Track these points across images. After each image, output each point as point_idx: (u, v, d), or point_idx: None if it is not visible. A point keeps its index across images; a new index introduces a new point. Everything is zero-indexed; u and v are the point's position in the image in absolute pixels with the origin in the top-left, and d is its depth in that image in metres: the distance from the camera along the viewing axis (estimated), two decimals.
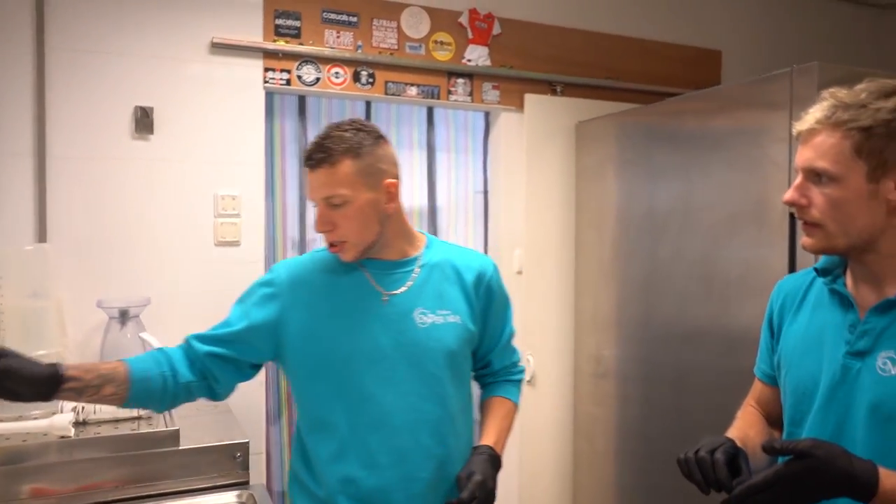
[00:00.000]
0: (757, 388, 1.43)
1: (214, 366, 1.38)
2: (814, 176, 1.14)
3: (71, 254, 2.13)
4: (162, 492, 1.63)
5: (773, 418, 1.39)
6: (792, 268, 1.88)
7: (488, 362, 1.57)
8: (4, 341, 1.81)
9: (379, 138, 1.39)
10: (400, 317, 1.39)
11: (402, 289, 1.41)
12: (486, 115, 2.84)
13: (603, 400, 2.69)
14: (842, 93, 1.14)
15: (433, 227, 2.79)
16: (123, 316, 2.09)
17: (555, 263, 2.80)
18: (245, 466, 1.71)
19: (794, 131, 1.18)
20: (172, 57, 2.24)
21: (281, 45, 2.36)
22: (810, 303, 1.28)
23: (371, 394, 1.36)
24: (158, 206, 2.24)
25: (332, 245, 1.39)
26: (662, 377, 2.39)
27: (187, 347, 1.39)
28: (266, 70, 2.36)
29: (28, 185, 2.10)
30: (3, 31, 2.06)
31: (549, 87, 2.79)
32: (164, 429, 1.67)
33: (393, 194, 1.40)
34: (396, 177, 1.41)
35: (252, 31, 2.34)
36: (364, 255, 1.40)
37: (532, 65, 2.74)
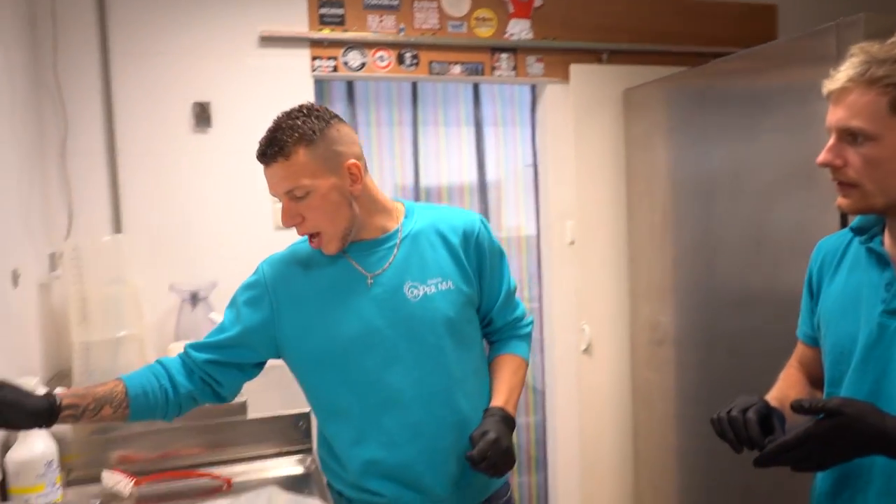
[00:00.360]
0: (799, 349, 1.43)
1: (215, 371, 1.40)
2: (848, 136, 1.12)
3: (144, 242, 2.30)
4: (232, 457, 1.76)
5: (815, 379, 1.38)
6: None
7: (490, 320, 1.52)
8: (88, 325, 1.98)
9: (332, 120, 1.33)
10: (390, 295, 1.37)
11: (385, 266, 1.38)
12: (533, 87, 2.85)
13: (660, 366, 2.70)
14: (874, 48, 1.11)
15: (484, 203, 2.84)
16: (194, 298, 2.24)
17: (607, 233, 2.81)
18: (308, 434, 1.82)
19: (825, 91, 1.17)
20: (225, 53, 2.36)
21: (326, 33, 2.44)
22: (848, 263, 1.27)
23: (376, 376, 1.36)
24: (220, 194, 2.37)
25: (311, 238, 1.36)
26: (718, 342, 2.38)
27: (185, 357, 1.41)
28: (313, 58, 2.45)
29: (103, 180, 2.28)
30: (72, 41, 2.22)
31: (594, 56, 2.78)
32: (234, 401, 1.80)
33: (356, 175, 1.33)
34: (358, 156, 1.35)
35: (298, 22, 2.43)
36: (346, 242, 1.37)
37: (576, 34, 2.73)
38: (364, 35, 2.48)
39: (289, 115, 1.31)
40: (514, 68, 2.68)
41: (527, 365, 1.55)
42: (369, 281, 1.38)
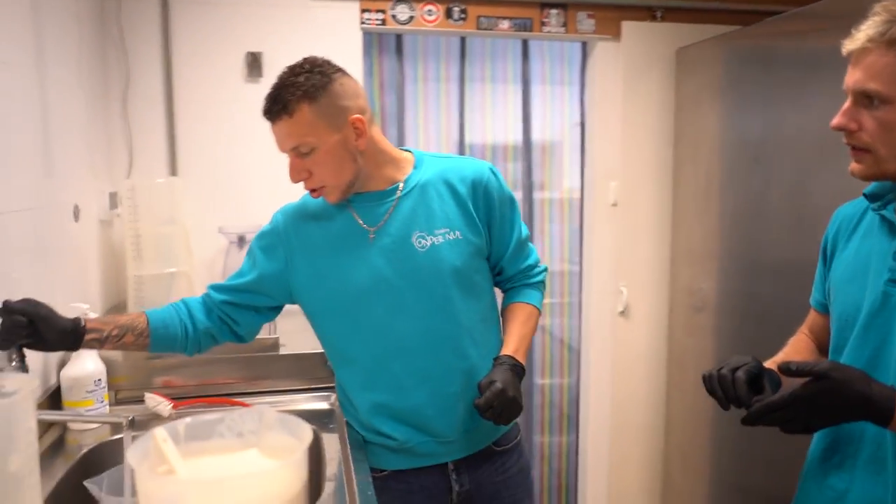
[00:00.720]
0: (810, 317, 1.42)
1: (232, 311, 1.49)
2: (864, 99, 1.09)
3: (198, 186, 2.43)
4: (264, 389, 1.89)
5: (824, 346, 1.37)
6: None
7: (501, 269, 1.55)
8: (142, 261, 2.13)
9: (335, 74, 1.34)
10: (398, 245, 1.40)
11: (385, 218, 1.41)
12: (584, 45, 2.81)
13: (697, 332, 2.68)
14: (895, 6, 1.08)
15: (528, 162, 2.85)
16: (241, 240, 2.36)
17: (651, 195, 2.78)
18: (333, 373, 1.92)
19: (844, 51, 1.14)
20: (278, 4, 2.43)
21: None
22: (862, 230, 1.25)
23: (385, 324, 1.41)
24: (268, 142, 2.45)
25: (312, 191, 1.40)
26: (758, 311, 2.35)
27: (206, 297, 1.50)
28: (362, 11, 2.49)
29: (161, 125, 2.41)
30: None
31: (648, 13, 2.71)
32: (268, 336, 1.92)
33: (360, 130, 1.35)
34: (362, 110, 1.36)
35: None
36: (348, 193, 1.41)
37: None
38: None
39: (292, 72, 1.33)
40: (564, 24, 2.65)
41: (539, 313, 1.58)
42: (371, 236, 1.42)
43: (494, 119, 2.83)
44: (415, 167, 1.46)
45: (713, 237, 2.57)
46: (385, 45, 2.67)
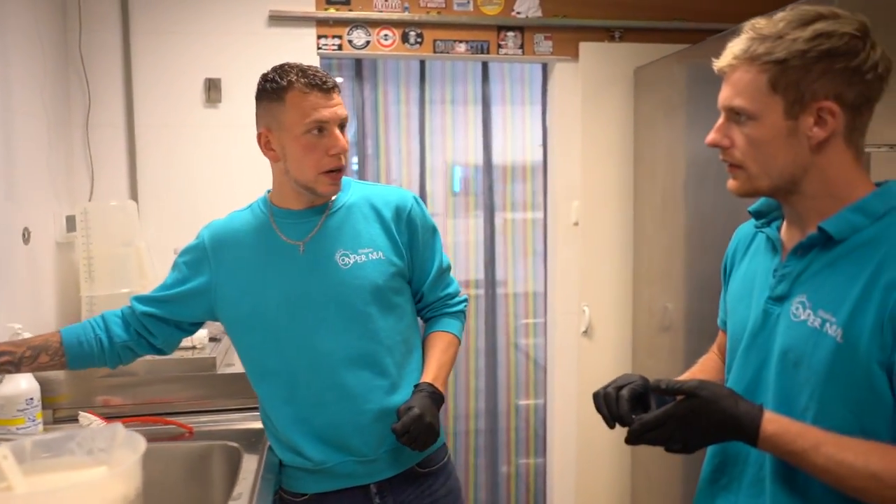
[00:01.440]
0: (719, 336, 1.41)
1: (151, 324, 1.51)
2: (734, 115, 1.09)
3: (157, 208, 2.49)
4: (202, 409, 1.91)
5: None
6: None
7: (422, 295, 1.57)
8: (94, 282, 2.18)
9: None
10: (322, 262, 1.43)
11: (310, 235, 1.44)
12: (544, 66, 2.83)
13: (662, 352, 2.65)
14: (761, 23, 1.08)
15: (489, 182, 2.86)
16: None
17: (612, 214, 2.77)
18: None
19: (715, 68, 1.14)
20: (236, 31, 2.49)
21: (332, 12, 2.53)
22: (752, 249, 1.24)
23: (305, 338, 1.43)
24: (228, 166, 2.52)
25: (340, 169, 1.41)
26: None
27: (127, 309, 1.52)
28: (319, 37, 2.54)
29: (122, 150, 2.47)
30: (96, 19, 2.41)
31: (606, 34, 2.73)
32: (207, 355, 1.94)
33: None
34: None
35: (305, 2, 2.52)
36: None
37: (588, 11, 2.69)
38: (368, 14, 2.55)
39: (315, 67, 1.41)
40: (522, 46, 2.68)
41: (458, 342, 1.60)
42: (301, 248, 1.45)
43: (455, 140, 2.85)
44: (342, 189, 1.49)
45: (675, 255, 2.55)
46: (345, 70, 2.72)
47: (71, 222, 2.29)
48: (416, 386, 1.46)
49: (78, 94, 2.42)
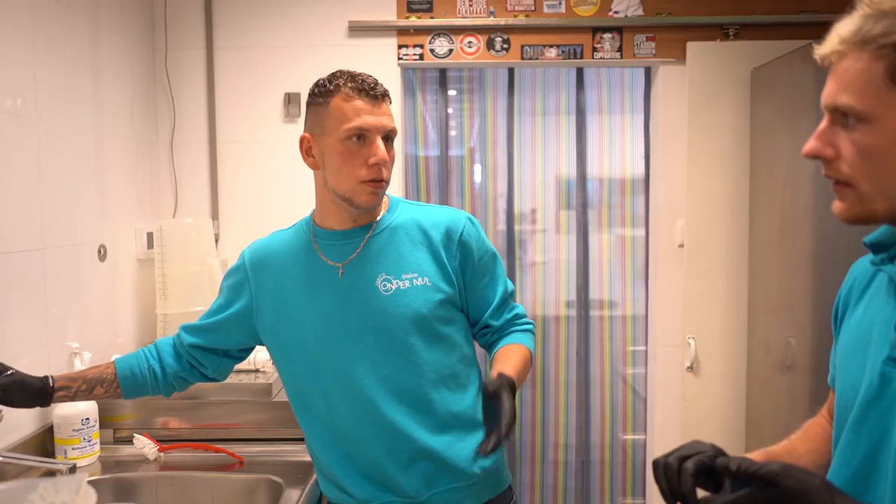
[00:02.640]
0: (830, 396, 1.12)
1: (199, 355, 1.46)
2: (840, 117, 0.83)
3: (236, 225, 2.47)
4: (255, 437, 1.83)
5: None
6: None
7: (487, 325, 1.44)
8: (168, 300, 2.17)
9: None
10: (362, 286, 1.33)
11: (351, 257, 1.35)
12: (647, 69, 2.57)
13: (782, 395, 2.29)
14: None
15: (583, 197, 2.63)
16: None
17: (723, 234, 2.45)
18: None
19: (817, 57, 0.89)
20: (315, 44, 2.43)
21: (413, 20, 2.41)
22: (870, 291, 0.96)
23: (344, 369, 1.33)
24: (306, 182, 2.43)
25: (381, 181, 1.31)
26: None
27: (177, 339, 1.48)
28: (399, 47, 2.43)
29: (204, 167, 2.48)
30: (182, 37, 2.44)
31: (718, 32, 2.42)
32: (258, 382, 1.86)
33: None
34: None
35: (386, 10, 2.42)
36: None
37: (696, 7, 2.40)
38: (451, 21, 2.41)
39: (369, 75, 1.33)
40: (620, 49, 2.43)
41: (531, 357, 1.43)
42: (340, 272, 1.35)
43: (546, 153, 2.64)
44: (388, 210, 1.40)
45: (798, 283, 2.19)
46: (427, 80, 2.59)
47: (151, 239, 2.32)
48: (499, 375, 1.25)
49: (165, 112, 2.45)
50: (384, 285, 1.33)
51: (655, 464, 0.96)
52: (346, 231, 1.36)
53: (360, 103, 1.28)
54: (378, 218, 1.37)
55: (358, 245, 1.35)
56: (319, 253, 1.37)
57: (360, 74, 1.31)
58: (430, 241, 1.36)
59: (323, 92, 1.31)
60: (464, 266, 1.38)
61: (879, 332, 0.89)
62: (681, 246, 2.48)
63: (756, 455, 1.04)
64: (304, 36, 2.43)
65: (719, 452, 0.94)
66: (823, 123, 0.86)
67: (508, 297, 1.46)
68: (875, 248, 0.93)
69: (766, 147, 2.32)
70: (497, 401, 1.18)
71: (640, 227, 2.66)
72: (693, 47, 2.40)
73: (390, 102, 1.33)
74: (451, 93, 2.61)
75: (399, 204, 1.42)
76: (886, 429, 0.84)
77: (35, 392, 1.34)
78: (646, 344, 2.66)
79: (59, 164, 1.84)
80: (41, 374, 1.37)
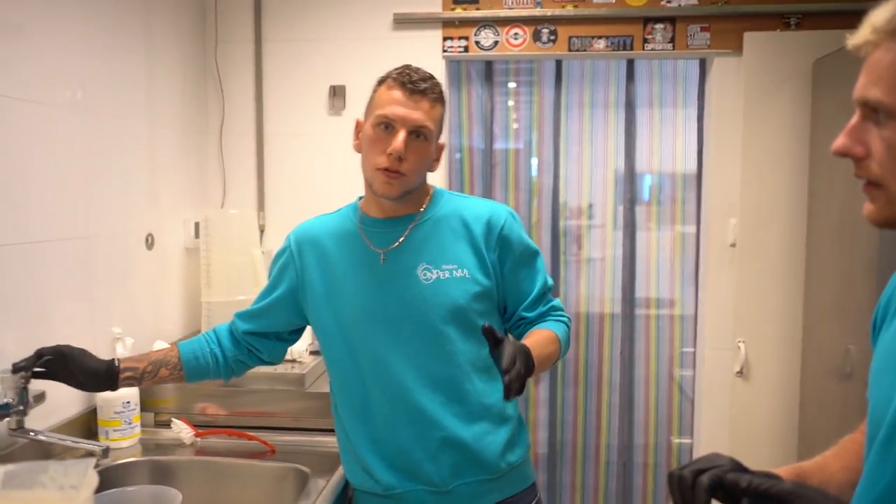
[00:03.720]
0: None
1: (255, 341, 1.50)
2: (871, 112, 0.78)
3: (281, 217, 2.50)
4: (288, 426, 1.85)
5: None
6: None
7: (522, 317, 1.44)
8: (212, 288, 2.22)
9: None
10: (403, 274, 1.36)
11: (395, 244, 1.37)
12: (702, 61, 2.46)
13: (838, 405, 2.17)
14: None
15: (631, 193, 2.55)
16: None
17: (778, 234, 2.33)
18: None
19: (849, 47, 0.83)
20: (360, 36, 2.44)
21: (458, 12, 2.38)
22: None
23: (379, 354, 1.36)
24: (349, 174, 2.44)
25: (393, 173, 1.31)
26: None
27: (232, 325, 1.52)
28: (444, 39, 2.41)
29: (252, 159, 2.52)
30: (232, 30, 2.48)
31: (779, 21, 2.30)
32: (293, 372, 1.89)
33: (439, 156, 1.41)
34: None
35: (431, 2, 2.40)
36: (405, 194, 1.35)
37: None
38: (496, 12, 2.37)
39: (426, 72, 1.36)
40: (672, 40, 2.34)
41: (560, 347, 1.39)
42: (382, 258, 1.38)
43: (594, 147, 2.58)
44: (432, 201, 1.43)
45: (859, 286, 2.07)
46: (474, 72, 2.56)
47: (198, 229, 2.37)
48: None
49: (214, 104, 2.50)
50: (424, 274, 1.36)
51: (670, 476, 0.92)
52: (390, 219, 1.40)
53: (396, 94, 1.31)
54: (422, 208, 1.40)
55: (401, 234, 1.38)
56: (365, 238, 1.40)
57: (410, 67, 1.34)
58: (471, 233, 1.38)
59: (379, 80, 1.37)
60: (503, 260, 1.39)
61: None
62: (733, 245, 2.38)
63: (785, 470, 0.98)
64: (349, 29, 2.44)
65: (736, 466, 0.89)
66: (854, 119, 0.81)
67: (546, 292, 1.46)
68: None
69: (826, 143, 2.18)
70: (499, 346, 1.17)
71: (692, 224, 2.57)
72: (750, 38, 2.29)
73: (435, 102, 1.33)
74: (498, 86, 2.56)
75: (444, 195, 1.45)
76: None
77: (98, 372, 1.37)
78: (694, 346, 2.57)
79: (110, 153, 1.90)
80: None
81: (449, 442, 1.35)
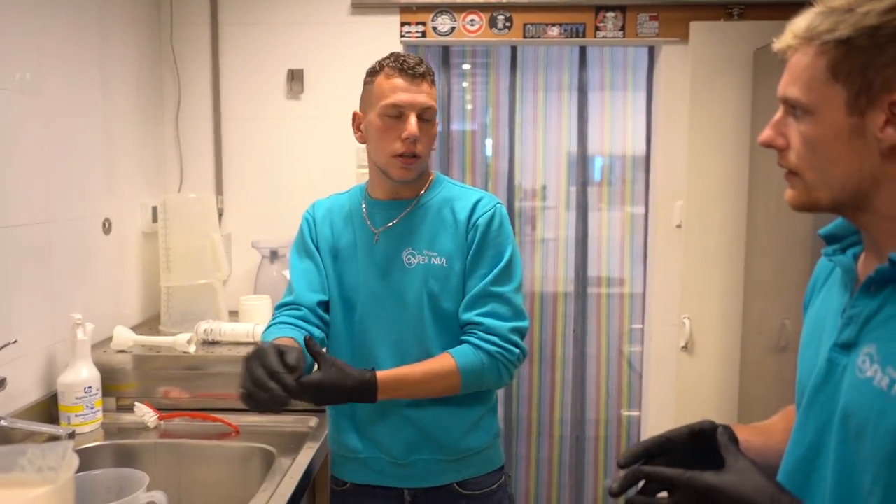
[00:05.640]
0: None
1: (323, 311, 1.48)
2: (791, 108, 0.87)
3: (240, 201, 2.51)
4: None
5: None
6: None
7: (461, 318, 1.43)
8: (171, 272, 2.23)
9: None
10: (391, 256, 1.43)
11: (389, 224, 1.44)
12: (651, 49, 2.55)
13: (774, 376, 2.31)
14: None
15: (583, 176, 2.63)
16: (273, 255, 2.40)
17: (721, 217, 2.45)
18: None
19: (775, 50, 0.91)
20: (319, 21, 2.44)
21: None
22: (829, 281, 0.99)
23: (364, 328, 1.44)
24: (308, 158, 2.50)
25: (410, 157, 1.37)
26: None
27: (296, 312, 1.44)
28: (402, 24, 2.44)
29: (209, 143, 2.51)
30: (187, 12, 2.46)
31: (722, 11, 2.39)
32: None
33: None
34: None
35: None
36: (419, 175, 1.43)
37: None
38: None
39: (416, 56, 1.41)
40: (623, 28, 2.41)
41: (455, 379, 1.36)
42: (375, 237, 1.45)
43: (548, 130, 2.65)
44: (430, 187, 1.48)
45: (794, 265, 2.20)
46: (430, 58, 2.60)
47: (155, 213, 2.37)
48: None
49: (171, 88, 2.48)
50: (408, 259, 1.43)
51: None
52: (390, 202, 1.46)
53: (398, 81, 1.36)
54: (421, 192, 1.47)
55: (397, 216, 1.45)
56: (366, 217, 1.48)
57: (405, 55, 1.40)
58: (457, 222, 1.43)
59: (372, 72, 1.41)
60: (470, 245, 1.42)
61: (831, 321, 0.91)
62: (679, 226, 2.49)
63: (744, 430, 1.06)
64: (307, 13, 2.44)
65: (713, 426, 0.96)
66: (778, 113, 0.89)
67: (491, 295, 1.40)
68: (829, 239, 0.96)
69: None
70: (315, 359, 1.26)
71: (641, 205, 2.67)
72: (696, 27, 2.38)
73: (432, 83, 1.40)
74: (454, 68, 2.61)
75: (443, 182, 1.50)
76: (832, 412, 0.87)
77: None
78: (643, 322, 2.68)
79: (64, 138, 1.88)
80: (48, 346, 1.39)
81: (409, 419, 1.43)
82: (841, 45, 0.79)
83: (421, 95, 1.36)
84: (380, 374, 1.33)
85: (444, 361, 1.37)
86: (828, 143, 0.82)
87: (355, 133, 1.46)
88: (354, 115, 1.46)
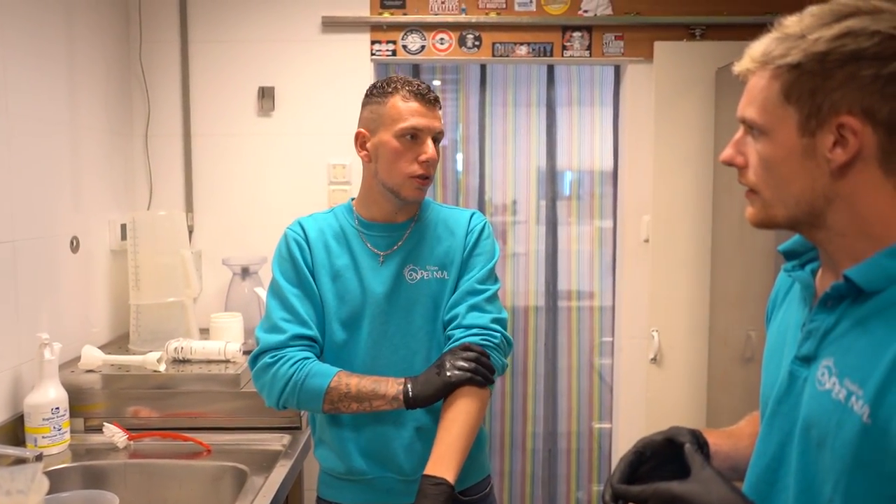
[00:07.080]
0: None
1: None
2: (749, 128, 0.91)
3: (210, 218, 2.50)
4: (227, 426, 1.87)
5: None
6: None
7: (448, 315, 1.48)
8: (140, 291, 2.21)
9: None
10: (395, 274, 1.47)
11: (394, 248, 1.48)
12: (617, 68, 2.61)
13: (739, 387, 2.36)
14: (790, 20, 0.88)
15: (552, 191, 2.68)
16: (244, 272, 2.39)
17: (687, 231, 2.51)
18: (298, 414, 1.88)
19: (735, 72, 0.95)
20: (289, 39, 2.46)
21: (386, 16, 2.44)
22: (790, 296, 1.03)
23: (371, 347, 1.46)
24: (279, 175, 2.50)
25: (424, 179, 1.43)
26: None
27: (308, 349, 1.44)
28: (373, 43, 2.46)
29: (179, 160, 2.50)
30: (156, 29, 2.45)
31: (685, 32, 2.47)
32: (227, 373, 1.91)
33: None
34: None
35: (359, 6, 2.45)
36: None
37: (664, 7, 2.45)
38: (423, 17, 2.44)
39: (423, 82, 1.46)
40: (589, 48, 2.47)
41: (474, 415, 1.40)
42: (381, 259, 1.49)
43: (517, 146, 2.69)
44: (422, 209, 1.54)
45: (758, 278, 2.26)
46: (399, 72, 2.62)
47: (124, 231, 2.34)
48: (427, 479, 1.32)
49: (139, 105, 2.47)
50: (410, 274, 1.48)
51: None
52: (389, 224, 1.50)
53: (415, 105, 1.41)
54: (414, 215, 1.52)
55: (399, 238, 1.49)
56: (364, 240, 1.50)
57: (410, 79, 1.45)
58: (454, 237, 1.51)
59: (382, 92, 1.43)
60: (467, 248, 1.51)
61: (792, 334, 0.95)
62: (646, 241, 2.54)
63: (713, 434, 1.10)
64: (277, 31, 2.45)
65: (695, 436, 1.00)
66: (738, 133, 0.93)
67: (474, 294, 1.47)
68: (788, 255, 1.00)
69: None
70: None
71: (609, 219, 2.72)
72: (660, 47, 2.45)
73: (440, 108, 1.47)
74: None
75: (430, 204, 1.57)
76: (794, 422, 0.90)
77: None
78: (612, 335, 2.72)
79: (31, 156, 1.86)
80: (13, 367, 1.36)
81: (423, 433, 1.45)
82: (793, 70, 0.83)
83: (436, 121, 1.43)
84: (442, 473, 1.32)
85: (466, 422, 1.39)
86: (782, 163, 0.86)
87: (359, 152, 1.46)
88: (358, 134, 1.46)
